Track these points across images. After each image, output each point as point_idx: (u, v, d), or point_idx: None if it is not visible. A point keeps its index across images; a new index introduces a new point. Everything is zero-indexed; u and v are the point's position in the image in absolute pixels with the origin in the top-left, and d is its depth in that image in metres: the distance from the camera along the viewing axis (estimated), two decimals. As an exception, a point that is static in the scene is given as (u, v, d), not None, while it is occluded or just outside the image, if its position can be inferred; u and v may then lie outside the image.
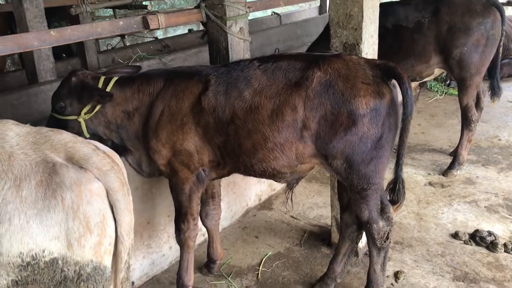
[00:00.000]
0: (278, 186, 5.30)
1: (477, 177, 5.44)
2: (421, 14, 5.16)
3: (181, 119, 3.25)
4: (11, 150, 1.71)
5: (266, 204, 5.10)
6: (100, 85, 3.31)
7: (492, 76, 5.29)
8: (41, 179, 1.69)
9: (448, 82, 8.18)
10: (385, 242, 3.38)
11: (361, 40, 3.63)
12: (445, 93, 8.09)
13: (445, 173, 5.47)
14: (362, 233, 3.62)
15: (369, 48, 3.72)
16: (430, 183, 5.36)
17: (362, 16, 3.58)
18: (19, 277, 1.66)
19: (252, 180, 4.90)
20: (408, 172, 5.55)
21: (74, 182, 1.73)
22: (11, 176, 1.66)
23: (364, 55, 3.68)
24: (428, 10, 5.15)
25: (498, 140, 6.37)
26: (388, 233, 3.38)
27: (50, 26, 6.75)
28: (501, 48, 5.14)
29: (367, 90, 2.98)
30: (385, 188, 3.38)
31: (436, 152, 6.12)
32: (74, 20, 6.71)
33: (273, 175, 3.33)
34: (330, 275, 3.75)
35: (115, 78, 3.39)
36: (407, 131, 3.15)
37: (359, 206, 3.29)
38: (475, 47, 4.99)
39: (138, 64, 5.35)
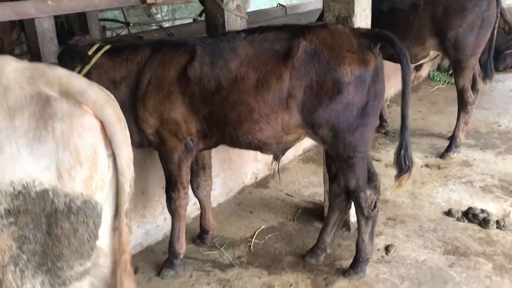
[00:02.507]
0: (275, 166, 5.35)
1: (474, 159, 5.46)
2: (416, -4, 5.21)
3: (168, 88, 3.28)
4: (7, 83, 1.74)
5: (263, 182, 5.16)
6: (91, 51, 3.39)
7: (486, 58, 5.31)
8: (34, 110, 1.72)
9: (451, 71, 8.17)
10: (372, 211, 3.43)
11: (353, 13, 3.67)
12: (447, 83, 8.10)
13: (442, 155, 5.50)
14: (350, 203, 3.66)
15: (362, 21, 3.76)
16: (426, 165, 5.38)
17: (355, -11, 3.63)
18: (11, 206, 1.70)
19: (249, 157, 4.98)
20: (405, 155, 5.57)
21: (66, 114, 1.76)
22: (5, 107, 1.70)
23: (356, 28, 3.73)
24: (424, -8, 5.19)
25: (498, 126, 6.38)
26: (376, 201, 3.43)
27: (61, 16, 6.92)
28: (496, 30, 5.15)
29: (352, 58, 3.03)
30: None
31: (434, 136, 6.14)
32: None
33: (259, 147, 3.37)
34: (320, 246, 3.81)
35: (107, 47, 3.46)
36: (408, 88, 3.17)
37: (346, 175, 3.34)
38: (471, 29, 5.01)
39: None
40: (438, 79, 8.27)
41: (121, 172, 1.94)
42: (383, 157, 5.53)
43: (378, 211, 3.49)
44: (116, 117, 1.89)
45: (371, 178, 3.41)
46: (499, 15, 5.11)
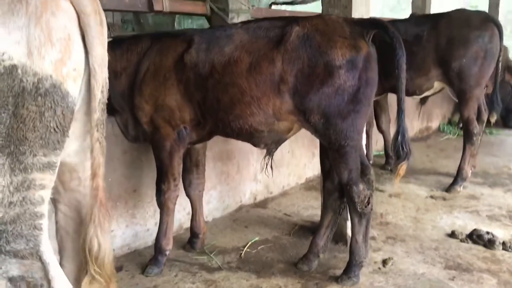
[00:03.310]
0: (276, 190, 5.26)
1: (481, 194, 5.29)
2: (420, 29, 5.32)
3: (164, 75, 3.35)
4: None
5: (261, 204, 5.04)
6: None
7: (492, 91, 5.31)
8: None
9: (461, 125, 8.15)
10: (366, 207, 3.30)
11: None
12: (457, 135, 8.04)
13: (448, 189, 5.35)
14: (344, 202, 3.54)
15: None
16: (431, 197, 5.23)
17: (352, -6, 3.75)
18: None
19: (248, 175, 4.91)
20: (410, 188, 5.45)
21: None
22: None
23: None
24: (428, 24, 5.31)
25: (508, 169, 6.23)
26: (369, 197, 3.31)
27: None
28: (500, 63, 5.19)
29: (344, 43, 3.08)
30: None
31: (441, 175, 6.00)
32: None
33: (251, 134, 3.33)
34: (313, 250, 3.64)
35: (109, 39, 3.58)
36: (403, 72, 3.16)
37: (338, 166, 3.25)
38: (474, 60, 5.06)
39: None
40: (448, 131, 8.24)
41: (92, 73, 1.90)
42: (387, 188, 5.40)
43: (371, 209, 3.35)
44: (92, 9, 1.89)
45: (364, 171, 3.30)
46: (502, 48, 5.17)
